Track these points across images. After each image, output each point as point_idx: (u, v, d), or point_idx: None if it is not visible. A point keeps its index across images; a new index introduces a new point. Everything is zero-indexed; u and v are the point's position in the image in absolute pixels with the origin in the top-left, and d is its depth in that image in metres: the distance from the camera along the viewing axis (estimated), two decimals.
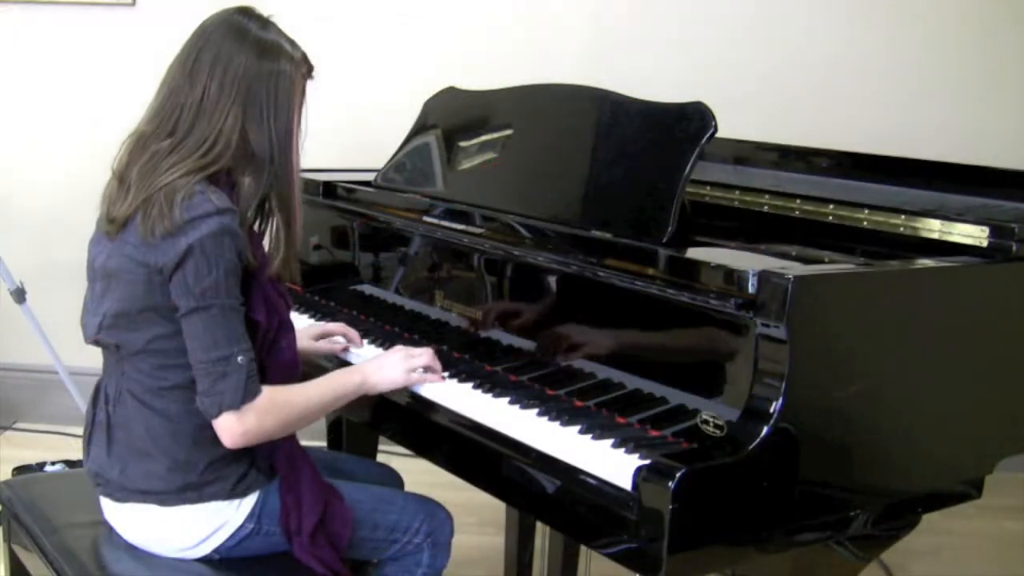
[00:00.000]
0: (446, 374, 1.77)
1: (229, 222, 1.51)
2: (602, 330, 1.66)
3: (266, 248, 1.66)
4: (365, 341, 1.97)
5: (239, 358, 1.51)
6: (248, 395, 1.52)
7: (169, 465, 1.58)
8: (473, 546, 2.74)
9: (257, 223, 1.66)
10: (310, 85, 1.70)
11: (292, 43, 1.66)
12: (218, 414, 1.52)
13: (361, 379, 1.71)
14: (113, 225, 1.56)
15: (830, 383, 1.45)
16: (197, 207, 1.50)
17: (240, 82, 1.57)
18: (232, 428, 1.52)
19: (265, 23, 1.65)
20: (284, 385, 1.61)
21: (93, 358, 1.69)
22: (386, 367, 1.72)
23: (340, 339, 1.97)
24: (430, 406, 1.71)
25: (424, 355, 1.75)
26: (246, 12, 1.65)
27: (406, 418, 1.77)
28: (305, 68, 1.67)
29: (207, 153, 1.56)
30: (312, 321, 2.15)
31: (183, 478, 1.59)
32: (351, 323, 2.04)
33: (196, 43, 1.60)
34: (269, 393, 1.56)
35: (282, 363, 1.64)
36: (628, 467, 1.36)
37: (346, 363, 1.91)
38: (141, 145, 1.59)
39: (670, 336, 1.57)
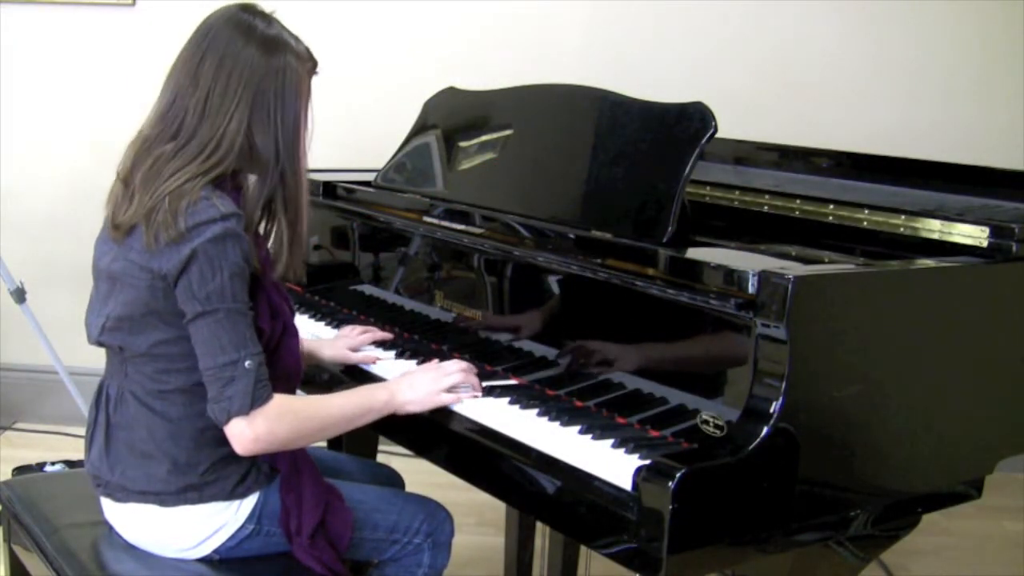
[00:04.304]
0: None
1: (233, 226, 1.50)
2: (602, 330, 1.66)
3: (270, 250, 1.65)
4: (391, 354, 1.92)
5: (247, 363, 1.49)
6: (257, 400, 1.50)
7: (170, 467, 1.58)
8: (473, 546, 2.74)
9: (263, 224, 1.63)
10: (313, 83, 1.69)
11: (296, 38, 1.63)
12: (227, 420, 1.50)
13: (388, 397, 1.65)
14: (118, 232, 1.55)
15: (830, 383, 1.45)
16: (201, 213, 1.48)
17: (247, 82, 1.55)
18: (243, 434, 1.50)
19: (269, 19, 1.61)
20: (303, 396, 1.58)
21: (93, 358, 1.69)
22: (416, 386, 1.66)
23: (370, 350, 1.93)
24: None
25: (457, 373, 1.67)
26: (249, 9, 1.61)
27: (406, 418, 1.77)
28: (310, 64, 1.64)
29: (210, 156, 1.53)
30: (312, 322, 2.15)
31: (184, 479, 1.58)
32: (352, 323, 2.05)
33: (200, 43, 1.57)
34: (280, 399, 1.53)
35: (284, 367, 1.62)
36: (628, 467, 1.36)
37: (363, 372, 1.90)
38: (146, 149, 1.57)
39: (670, 336, 1.56)
